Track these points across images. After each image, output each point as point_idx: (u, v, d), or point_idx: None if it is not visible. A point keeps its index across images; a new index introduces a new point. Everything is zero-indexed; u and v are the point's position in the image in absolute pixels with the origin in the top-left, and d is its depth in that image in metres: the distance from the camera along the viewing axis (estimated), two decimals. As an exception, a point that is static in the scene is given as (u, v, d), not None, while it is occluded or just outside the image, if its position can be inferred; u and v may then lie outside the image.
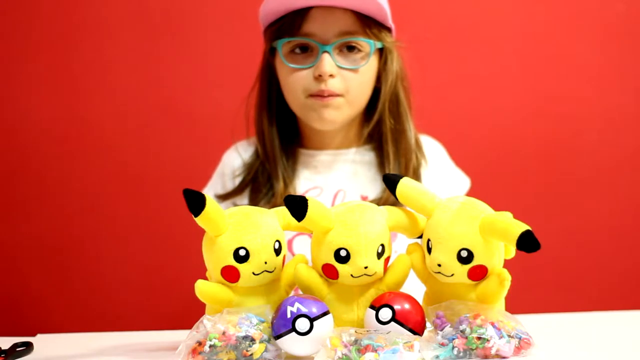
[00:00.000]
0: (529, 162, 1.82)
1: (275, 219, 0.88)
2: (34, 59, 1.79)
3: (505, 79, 1.82)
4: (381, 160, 1.29)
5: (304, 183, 1.30)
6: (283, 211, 0.89)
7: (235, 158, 1.34)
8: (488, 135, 1.81)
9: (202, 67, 1.80)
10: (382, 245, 0.86)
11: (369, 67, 1.24)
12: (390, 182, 0.88)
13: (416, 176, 1.26)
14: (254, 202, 1.27)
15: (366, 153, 1.31)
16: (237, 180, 1.32)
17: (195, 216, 0.83)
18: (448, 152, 1.39)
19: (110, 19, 1.80)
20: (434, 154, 1.34)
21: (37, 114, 1.80)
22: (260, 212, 0.88)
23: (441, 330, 0.83)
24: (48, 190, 1.80)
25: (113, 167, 1.80)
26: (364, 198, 1.27)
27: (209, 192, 1.34)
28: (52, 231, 1.80)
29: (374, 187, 1.28)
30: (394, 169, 1.26)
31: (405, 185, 0.88)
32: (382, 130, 1.28)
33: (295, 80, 1.23)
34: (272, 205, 1.22)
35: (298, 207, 0.83)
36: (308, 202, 0.83)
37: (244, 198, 1.29)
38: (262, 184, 1.28)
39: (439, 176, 1.32)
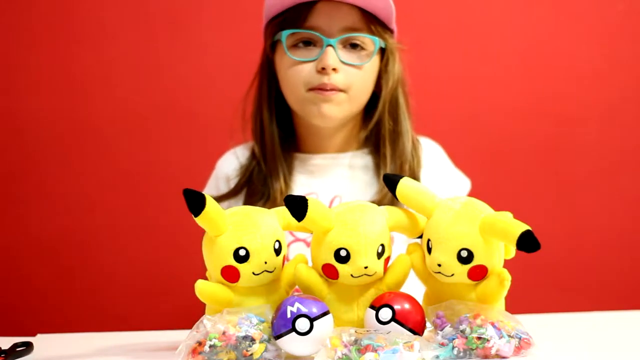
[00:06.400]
0: (528, 163, 1.82)
1: (275, 219, 0.88)
2: (34, 59, 1.79)
3: (505, 79, 1.82)
4: (377, 163, 1.28)
5: (299, 189, 1.29)
6: (283, 211, 0.89)
7: (231, 162, 1.34)
8: (488, 136, 1.81)
9: (201, 67, 1.80)
10: (382, 245, 0.86)
11: (372, 66, 1.24)
12: (390, 182, 0.88)
13: (413, 178, 1.25)
14: (249, 204, 1.25)
15: (363, 157, 1.30)
16: (232, 183, 1.31)
17: (195, 216, 0.83)
18: (447, 154, 1.39)
19: (110, 18, 1.80)
20: (432, 156, 1.34)
21: (37, 113, 1.79)
22: (260, 212, 0.88)
23: (441, 330, 0.83)
24: (48, 190, 1.80)
25: (113, 167, 1.80)
26: None
27: None
28: (52, 231, 1.80)
29: (371, 191, 1.27)
30: (390, 170, 1.25)
31: (405, 185, 0.88)
32: (380, 132, 1.28)
33: (296, 73, 1.22)
34: (268, 207, 1.22)
35: (298, 207, 0.83)
36: (308, 202, 0.83)
37: (239, 201, 1.28)
38: (258, 186, 1.27)
39: (438, 178, 1.32)
